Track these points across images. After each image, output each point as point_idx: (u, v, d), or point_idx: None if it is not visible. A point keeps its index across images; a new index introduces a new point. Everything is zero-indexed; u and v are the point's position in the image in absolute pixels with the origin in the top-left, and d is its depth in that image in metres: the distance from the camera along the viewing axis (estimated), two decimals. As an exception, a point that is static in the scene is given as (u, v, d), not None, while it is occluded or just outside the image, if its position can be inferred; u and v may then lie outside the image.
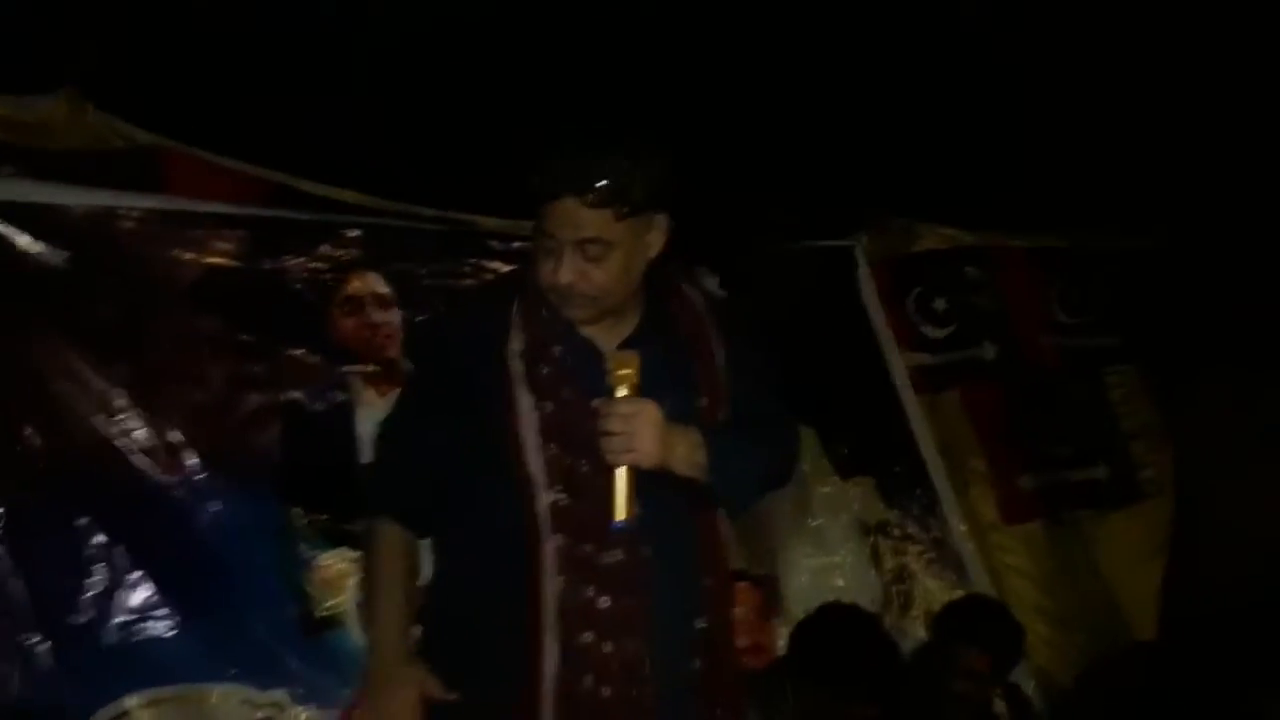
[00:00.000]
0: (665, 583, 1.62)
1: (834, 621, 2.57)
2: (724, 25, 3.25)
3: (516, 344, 1.64)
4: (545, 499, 1.60)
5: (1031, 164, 3.70)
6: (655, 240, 1.66)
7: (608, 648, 1.60)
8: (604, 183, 1.55)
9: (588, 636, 1.59)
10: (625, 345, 1.65)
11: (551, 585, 1.59)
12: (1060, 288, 4.01)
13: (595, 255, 1.58)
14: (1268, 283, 3.96)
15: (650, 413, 1.56)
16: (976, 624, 2.68)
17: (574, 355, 1.64)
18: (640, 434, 1.54)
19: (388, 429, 1.78)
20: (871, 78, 3.54)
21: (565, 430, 1.61)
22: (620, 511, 1.53)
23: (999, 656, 2.65)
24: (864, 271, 3.61)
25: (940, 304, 3.73)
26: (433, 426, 1.67)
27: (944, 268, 3.80)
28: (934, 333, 3.70)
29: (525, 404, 1.61)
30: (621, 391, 1.55)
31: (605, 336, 1.67)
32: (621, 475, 1.53)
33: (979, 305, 3.80)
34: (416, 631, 1.70)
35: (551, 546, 1.59)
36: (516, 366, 1.62)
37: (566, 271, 1.59)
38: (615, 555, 1.60)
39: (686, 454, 1.60)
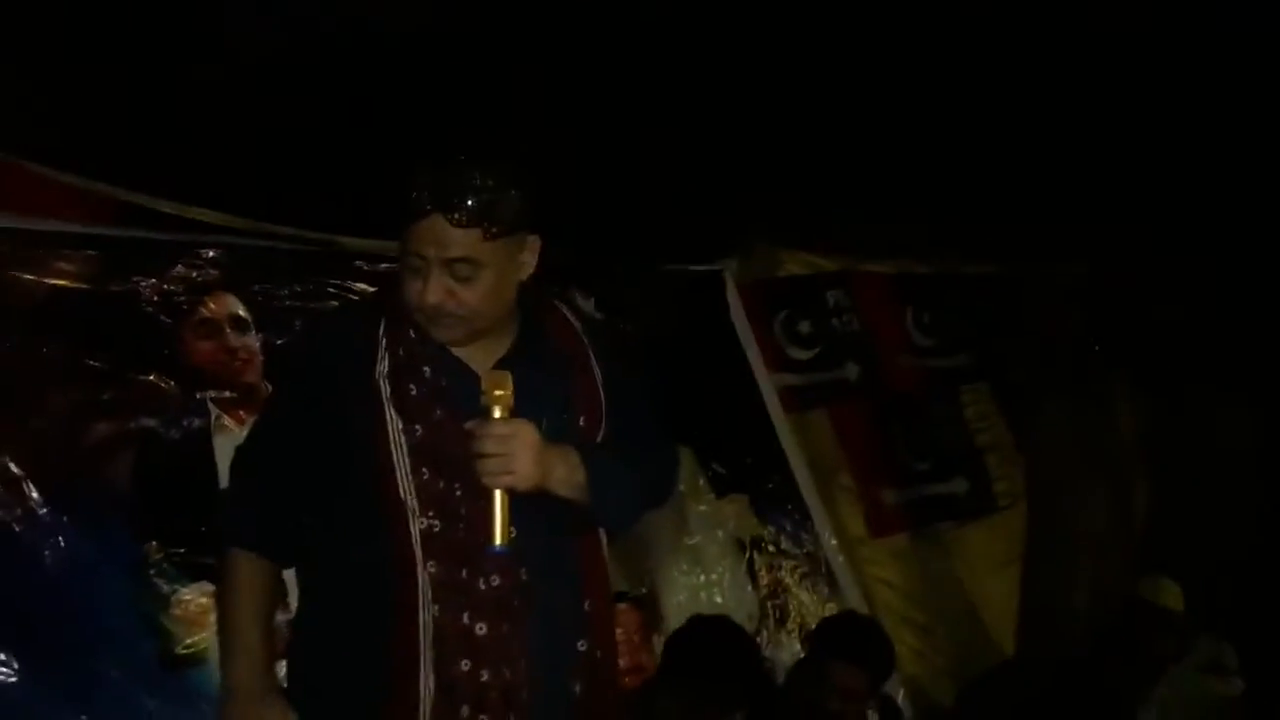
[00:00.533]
0: (544, 607, 1.60)
1: (700, 633, 2.60)
2: (594, 53, 3.28)
3: (384, 365, 1.60)
4: (418, 525, 1.56)
5: (890, 192, 3.85)
6: (527, 260, 1.65)
7: (485, 675, 1.56)
8: (471, 202, 1.53)
9: (464, 665, 1.56)
10: (499, 365, 1.62)
11: (426, 613, 1.55)
12: (916, 311, 4.17)
13: (464, 275, 1.56)
14: (1107, 305, 4.24)
15: (526, 434, 1.54)
16: (851, 641, 2.73)
17: (446, 376, 1.61)
18: (517, 455, 1.52)
19: (244, 456, 1.71)
20: (741, 110, 3.64)
21: (437, 454, 1.57)
22: (497, 536, 1.50)
23: (873, 673, 2.71)
24: (733, 295, 3.67)
25: (805, 327, 3.83)
26: (293, 452, 1.62)
27: (808, 292, 3.92)
28: (800, 354, 3.79)
29: (395, 427, 1.57)
30: (496, 413, 1.52)
31: (478, 357, 1.64)
32: (498, 499, 1.51)
33: (841, 328, 3.92)
34: (281, 666, 1.64)
35: (425, 574, 1.55)
36: (384, 389, 1.58)
37: (434, 291, 1.56)
38: (492, 581, 1.57)
39: (565, 475, 1.58)
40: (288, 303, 2.72)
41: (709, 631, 2.60)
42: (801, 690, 2.70)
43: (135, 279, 2.48)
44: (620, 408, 1.72)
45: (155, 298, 2.50)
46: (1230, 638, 3.50)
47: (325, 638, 1.63)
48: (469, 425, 1.54)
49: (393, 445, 1.56)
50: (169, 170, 2.64)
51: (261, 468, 1.68)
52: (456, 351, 1.63)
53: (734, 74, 3.59)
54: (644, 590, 2.98)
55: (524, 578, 1.59)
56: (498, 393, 1.53)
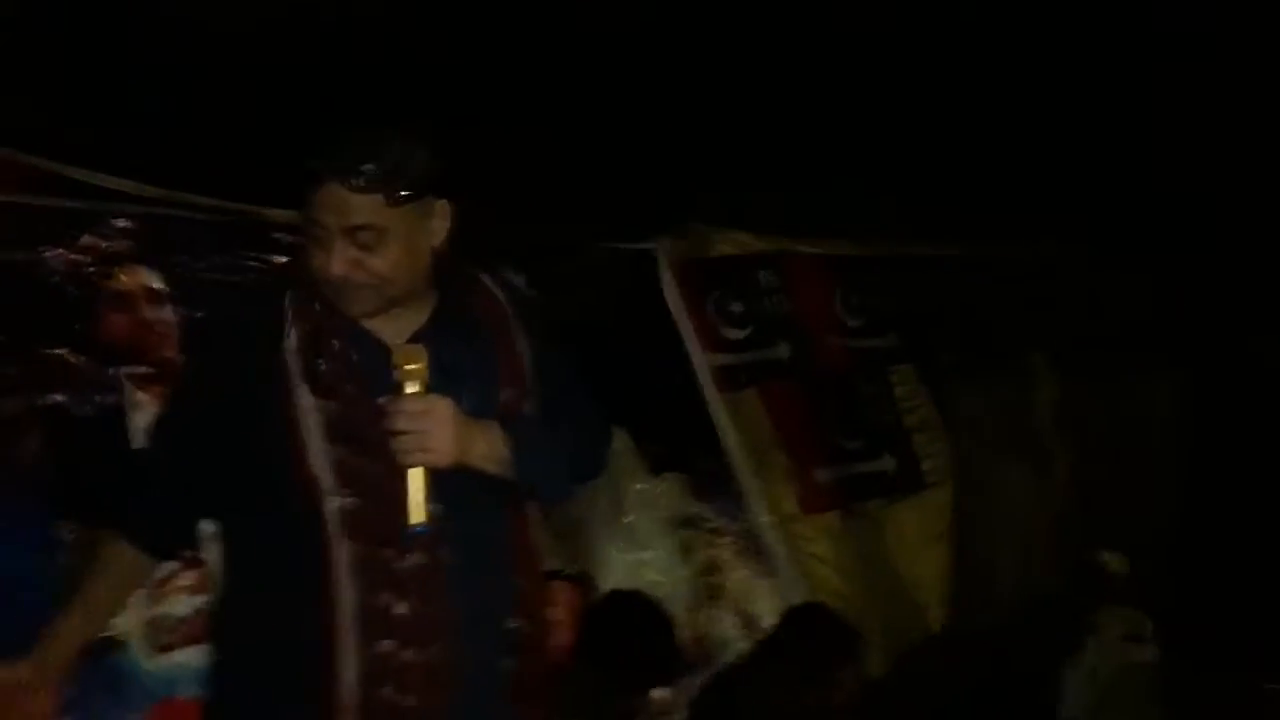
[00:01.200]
0: (471, 585, 1.54)
1: (617, 609, 2.57)
2: (530, 24, 3.22)
3: (291, 340, 1.53)
4: (333, 503, 1.49)
5: (823, 171, 3.87)
6: (438, 227, 1.58)
7: (408, 655, 1.50)
8: (369, 166, 1.47)
9: (387, 645, 1.49)
10: (415, 339, 1.56)
11: (346, 593, 1.49)
12: (844, 292, 4.19)
13: (368, 243, 1.49)
14: (1025, 289, 4.33)
15: (442, 409, 1.48)
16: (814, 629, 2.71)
17: (357, 350, 1.54)
18: (433, 432, 1.46)
19: (148, 442, 1.65)
20: (677, 85, 3.61)
21: (351, 430, 1.50)
22: (415, 514, 1.45)
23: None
24: (666, 274, 3.64)
25: (737, 307, 3.82)
26: (194, 439, 1.54)
27: (739, 272, 3.90)
28: (733, 334, 3.78)
29: (306, 403, 1.50)
30: (411, 388, 1.47)
31: (391, 329, 1.57)
32: (415, 476, 1.45)
33: (773, 308, 3.92)
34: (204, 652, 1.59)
35: (344, 553, 1.49)
36: (294, 363, 1.51)
37: (338, 262, 1.49)
38: (414, 559, 1.51)
39: (486, 449, 1.53)
40: (205, 275, 2.61)
41: (626, 608, 2.57)
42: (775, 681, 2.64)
43: (41, 249, 2.34)
44: (547, 380, 1.67)
45: (62, 269, 2.36)
46: (1144, 608, 3.62)
47: (246, 621, 1.56)
48: (382, 401, 1.48)
49: (304, 421, 1.50)
50: (81, 136, 2.51)
51: (156, 457, 1.61)
52: (368, 324, 1.56)
53: (671, 49, 3.57)
54: (580, 568, 2.93)
55: (447, 556, 1.53)
56: (409, 367, 1.47)
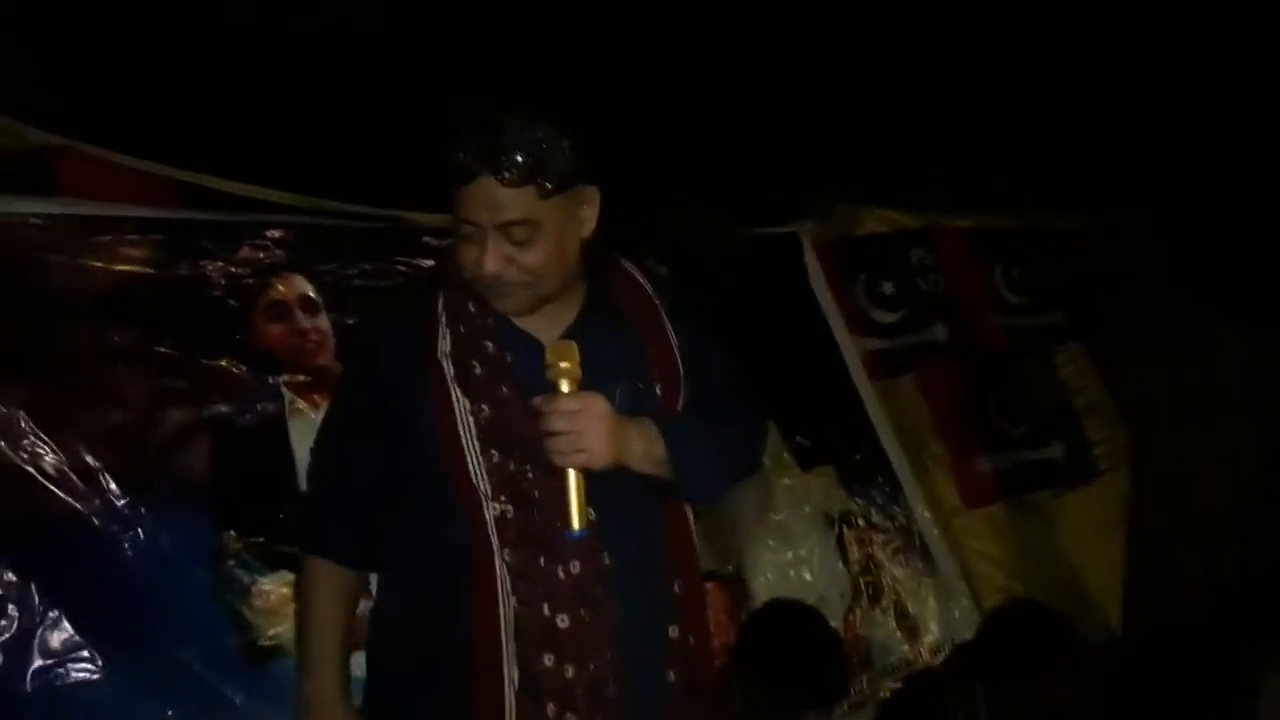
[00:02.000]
0: (631, 592, 1.50)
1: (777, 620, 2.47)
2: (668, 11, 3.15)
3: (445, 344, 1.51)
4: (491, 511, 1.46)
5: (970, 145, 3.67)
6: (588, 216, 1.54)
7: (570, 671, 1.46)
8: (521, 158, 1.42)
9: (548, 660, 1.46)
10: (566, 335, 1.51)
11: (506, 605, 1.46)
12: (1004, 267, 3.98)
13: (521, 239, 1.46)
14: (1205, 257, 4.00)
15: (597, 407, 1.43)
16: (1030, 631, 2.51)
17: (510, 350, 1.51)
18: (587, 432, 1.41)
19: (315, 458, 1.66)
20: (813, 63, 3.48)
21: (506, 434, 1.47)
22: (574, 520, 1.40)
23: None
24: (810, 258, 3.52)
25: (888, 288, 3.69)
26: (362, 448, 1.54)
27: (889, 251, 3.76)
28: (884, 317, 3.64)
29: (461, 408, 1.48)
30: (564, 387, 1.42)
31: (544, 327, 1.54)
32: (572, 479, 1.41)
33: (927, 288, 3.76)
34: (359, 662, 1.59)
35: (502, 562, 1.46)
36: (447, 368, 1.49)
37: (491, 259, 1.46)
38: (572, 568, 1.47)
39: (643, 448, 1.48)
40: (357, 282, 2.65)
41: (786, 618, 2.47)
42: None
43: (202, 262, 2.41)
44: (700, 373, 1.61)
45: (223, 281, 2.43)
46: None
47: (405, 631, 1.55)
48: (535, 402, 1.44)
49: (460, 428, 1.47)
50: (232, 150, 2.58)
51: (331, 471, 1.61)
52: (520, 323, 1.53)
53: (808, 28, 3.43)
54: (730, 568, 2.87)
55: (606, 562, 1.49)
56: (563, 365, 1.43)
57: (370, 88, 2.84)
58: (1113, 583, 3.69)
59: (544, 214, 1.46)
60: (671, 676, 1.53)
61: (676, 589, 1.56)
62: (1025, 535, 3.58)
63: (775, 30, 3.39)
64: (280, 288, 2.51)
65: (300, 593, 1.64)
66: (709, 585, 2.68)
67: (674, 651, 1.54)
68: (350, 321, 2.54)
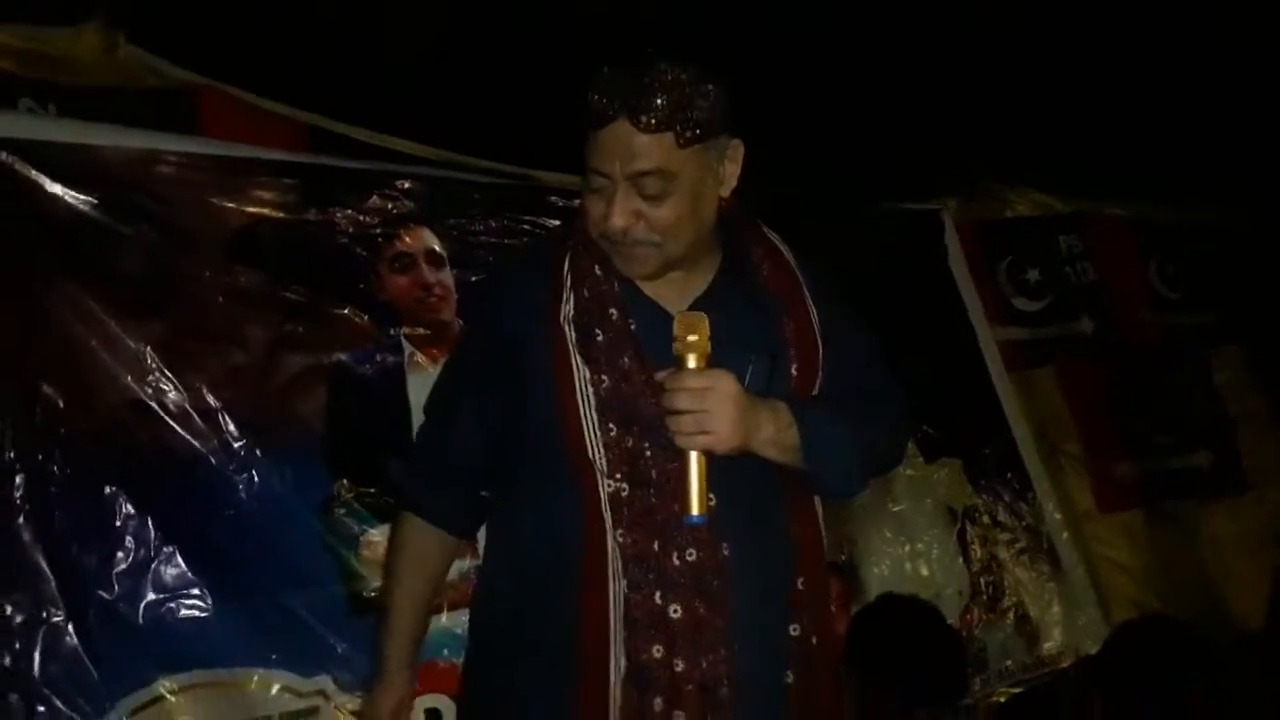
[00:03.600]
0: (750, 587, 1.41)
1: (892, 615, 2.35)
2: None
3: (569, 308, 1.42)
4: (605, 489, 1.39)
5: (1129, 129, 3.45)
6: (729, 173, 1.43)
7: (680, 665, 1.38)
8: (661, 100, 1.31)
9: (656, 651, 1.38)
10: (697, 305, 1.42)
11: (615, 590, 1.39)
12: (1160, 261, 3.74)
13: (654, 192, 1.35)
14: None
15: (725, 386, 1.33)
16: (1159, 646, 2.36)
17: (636, 319, 1.42)
18: (714, 412, 1.31)
19: (427, 414, 1.61)
20: (969, 32, 3.30)
21: (626, 408, 1.39)
22: (694, 504, 1.31)
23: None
24: (952, 238, 3.35)
25: (1034, 275, 3.50)
26: (474, 409, 1.49)
27: (1037, 236, 3.58)
28: (1027, 305, 3.46)
29: (581, 377, 1.40)
30: (691, 362, 1.32)
31: (673, 295, 1.44)
32: (694, 462, 1.31)
33: (1075, 278, 3.56)
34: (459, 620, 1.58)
35: (615, 544, 1.39)
36: (570, 334, 1.41)
37: (620, 213, 1.36)
38: (688, 555, 1.39)
39: (773, 434, 1.37)
40: (483, 238, 2.61)
41: (902, 614, 2.35)
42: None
43: (331, 209, 2.40)
44: (841, 356, 1.50)
45: (351, 229, 2.42)
46: None
47: (511, 604, 1.50)
48: (660, 376, 1.36)
49: (579, 398, 1.40)
50: (366, 99, 2.57)
51: (438, 430, 1.57)
52: (648, 289, 1.44)
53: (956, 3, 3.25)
54: (843, 558, 2.75)
55: (725, 553, 1.40)
56: (691, 338, 1.32)
57: (504, 44, 2.79)
58: (1258, 602, 3.44)
59: (681, 165, 1.35)
60: (790, 678, 1.45)
61: (800, 585, 1.46)
62: (1163, 546, 3.37)
63: (934, 3, 3.22)
64: (407, 239, 2.49)
65: (389, 551, 1.63)
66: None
67: (794, 652, 1.45)
68: (474, 279, 2.51)
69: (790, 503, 1.48)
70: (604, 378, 1.40)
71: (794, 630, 1.45)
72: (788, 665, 1.44)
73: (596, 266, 1.43)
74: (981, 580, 2.96)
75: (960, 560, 2.95)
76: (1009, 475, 3.14)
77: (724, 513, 1.37)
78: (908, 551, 2.87)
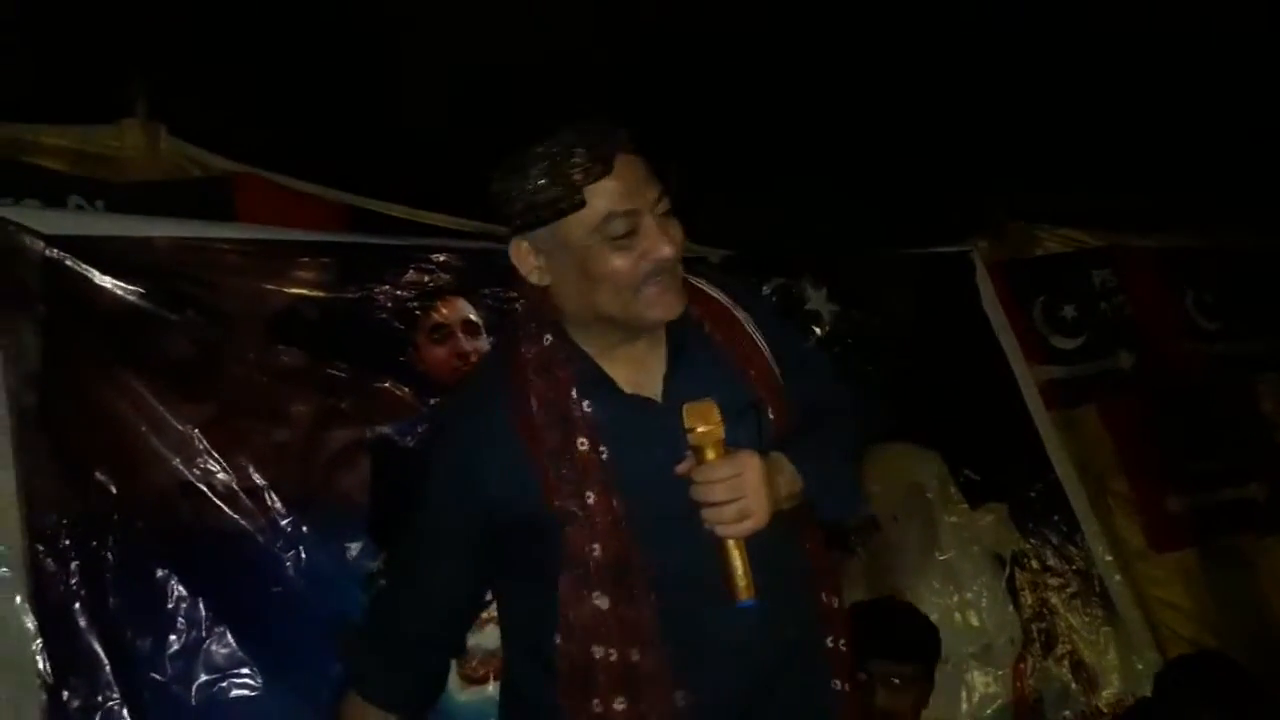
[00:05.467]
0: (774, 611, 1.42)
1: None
2: (832, 26, 3.06)
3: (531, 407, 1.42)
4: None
5: (1156, 160, 3.43)
6: None
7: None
8: (620, 129, 1.36)
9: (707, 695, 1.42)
10: (672, 381, 1.42)
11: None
12: (1196, 291, 3.69)
13: (665, 208, 1.38)
14: None
15: (752, 467, 1.33)
16: (1211, 682, 2.37)
17: (611, 411, 1.43)
18: (751, 496, 1.31)
19: (387, 581, 1.65)
20: (981, 73, 3.32)
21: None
22: (742, 591, 1.30)
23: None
24: (983, 278, 3.34)
25: (1069, 312, 3.47)
26: (447, 575, 1.50)
27: (1069, 272, 3.55)
28: (1064, 343, 3.42)
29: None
30: (710, 454, 1.31)
31: (642, 377, 1.44)
32: (733, 547, 1.31)
33: (1111, 312, 3.52)
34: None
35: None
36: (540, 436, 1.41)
37: (668, 241, 1.36)
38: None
39: (788, 490, 1.38)
40: (518, 304, 2.64)
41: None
42: None
43: (370, 285, 2.46)
44: (796, 376, 1.52)
45: (389, 304, 2.47)
46: None
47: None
48: (681, 470, 1.34)
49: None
50: (398, 175, 2.63)
51: (397, 601, 1.56)
52: (619, 379, 1.43)
53: (978, 38, 3.27)
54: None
55: (782, 634, 1.45)
56: (703, 429, 1.32)
57: (532, 113, 2.85)
58: (1323, 640, 3.34)
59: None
60: (839, 684, 1.51)
61: (833, 603, 1.54)
62: (1219, 584, 3.28)
63: (953, 40, 3.25)
64: (444, 310, 2.54)
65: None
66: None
67: (838, 661, 1.51)
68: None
69: (803, 538, 1.51)
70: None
71: (831, 643, 1.51)
72: (833, 675, 1.51)
73: (533, 375, 1.42)
74: (1034, 627, 2.91)
75: (1010, 607, 2.90)
76: (1056, 518, 3.09)
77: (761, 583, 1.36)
78: (957, 601, 2.83)
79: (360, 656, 1.59)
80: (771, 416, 1.46)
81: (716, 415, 1.32)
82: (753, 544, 1.33)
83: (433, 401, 2.45)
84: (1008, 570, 2.95)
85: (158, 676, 1.94)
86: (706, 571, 1.33)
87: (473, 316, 2.55)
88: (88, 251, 2.06)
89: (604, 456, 1.38)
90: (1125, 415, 3.37)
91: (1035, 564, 3.00)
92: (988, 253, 3.41)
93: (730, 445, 1.34)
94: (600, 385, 1.43)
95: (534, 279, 1.42)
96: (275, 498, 2.13)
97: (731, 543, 1.31)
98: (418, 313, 2.50)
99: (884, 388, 2.93)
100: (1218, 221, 3.70)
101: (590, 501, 1.37)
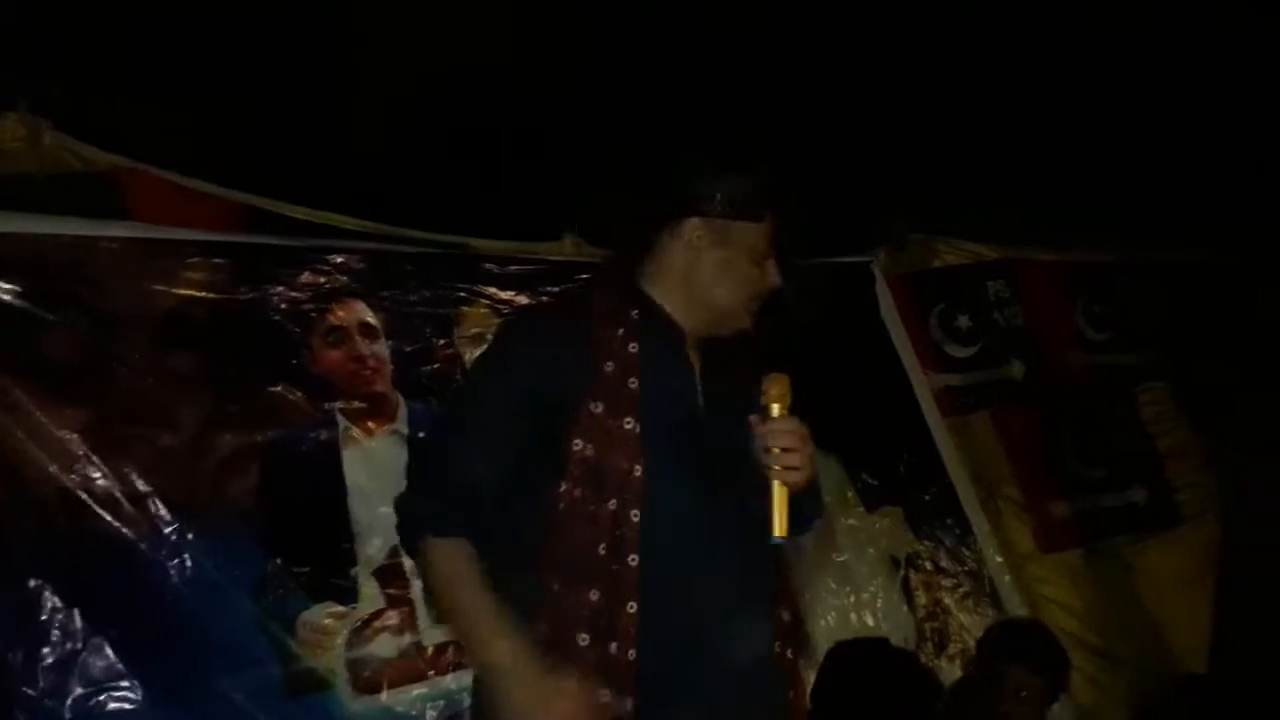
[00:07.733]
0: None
1: (863, 658, 2.38)
2: (739, 36, 3.10)
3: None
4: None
5: (1053, 176, 3.54)
6: None
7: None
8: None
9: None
10: (707, 362, 1.63)
11: None
12: (1086, 303, 3.83)
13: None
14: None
15: (806, 432, 1.54)
16: (1024, 643, 2.52)
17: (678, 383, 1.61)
18: (802, 452, 1.51)
19: (449, 429, 1.63)
20: (883, 86, 3.39)
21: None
22: (778, 527, 1.48)
23: (1049, 677, 2.47)
24: (883, 289, 3.42)
25: (964, 321, 3.56)
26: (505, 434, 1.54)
27: (966, 284, 3.64)
28: (959, 352, 3.51)
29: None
30: (775, 410, 1.52)
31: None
32: (779, 492, 1.49)
33: (1005, 322, 3.62)
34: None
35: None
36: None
37: (776, 277, 1.65)
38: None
39: (815, 470, 1.58)
40: (417, 308, 2.62)
41: (873, 659, 2.40)
42: (973, 697, 2.47)
43: (264, 286, 2.41)
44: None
45: (283, 305, 2.42)
46: None
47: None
48: (752, 420, 1.52)
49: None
50: (296, 175, 2.58)
51: (464, 446, 1.56)
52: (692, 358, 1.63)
53: (887, 51, 3.35)
54: (790, 611, 2.75)
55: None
56: (775, 390, 1.52)
57: (440, 117, 2.83)
58: (1199, 634, 3.49)
59: None
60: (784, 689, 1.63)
61: (786, 617, 1.65)
62: (1103, 583, 3.41)
63: (856, 55, 3.31)
64: (340, 313, 2.50)
65: (437, 582, 1.56)
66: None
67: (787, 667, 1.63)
68: (407, 349, 2.51)
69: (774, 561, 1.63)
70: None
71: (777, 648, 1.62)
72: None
73: (621, 332, 1.57)
74: (927, 627, 2.99)
75: (905, 608, 2.98)
76: (949, 521, 3.18)
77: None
78: (853, 602, 2.89)
79: (422, 500, 1.57)
80: None
81: (787, 385, 1.53)
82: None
83: (327, 406, 2.41)
84: (903, 572, 3.03)
85: (29, 691, 1.86)
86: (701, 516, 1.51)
87: (370, 319, 2.51)
88: (-40, 248, 1.97)
89: (633, 386, 1.54)
90: (1016, 422, 3.47)
91: (929, 565, 3.08)
92: (888, 264, 3.49)
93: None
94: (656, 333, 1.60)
95: (675, 256, 1.60)
96: (160, 504, 2.07)
97: (778, 486, 1.48)
98: (313, 315, 2.45)
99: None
100: (1117, 235, 3.82)
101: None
